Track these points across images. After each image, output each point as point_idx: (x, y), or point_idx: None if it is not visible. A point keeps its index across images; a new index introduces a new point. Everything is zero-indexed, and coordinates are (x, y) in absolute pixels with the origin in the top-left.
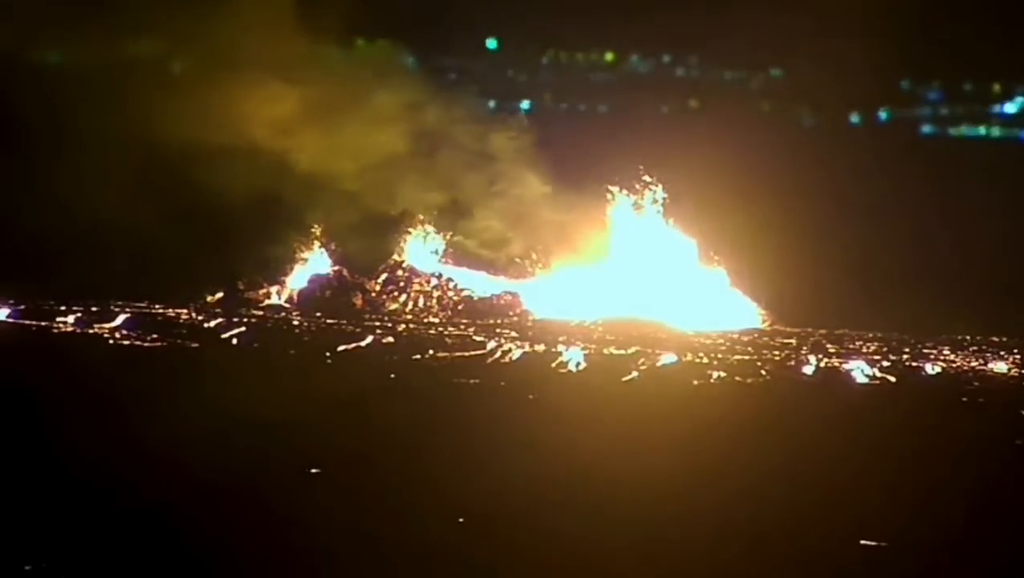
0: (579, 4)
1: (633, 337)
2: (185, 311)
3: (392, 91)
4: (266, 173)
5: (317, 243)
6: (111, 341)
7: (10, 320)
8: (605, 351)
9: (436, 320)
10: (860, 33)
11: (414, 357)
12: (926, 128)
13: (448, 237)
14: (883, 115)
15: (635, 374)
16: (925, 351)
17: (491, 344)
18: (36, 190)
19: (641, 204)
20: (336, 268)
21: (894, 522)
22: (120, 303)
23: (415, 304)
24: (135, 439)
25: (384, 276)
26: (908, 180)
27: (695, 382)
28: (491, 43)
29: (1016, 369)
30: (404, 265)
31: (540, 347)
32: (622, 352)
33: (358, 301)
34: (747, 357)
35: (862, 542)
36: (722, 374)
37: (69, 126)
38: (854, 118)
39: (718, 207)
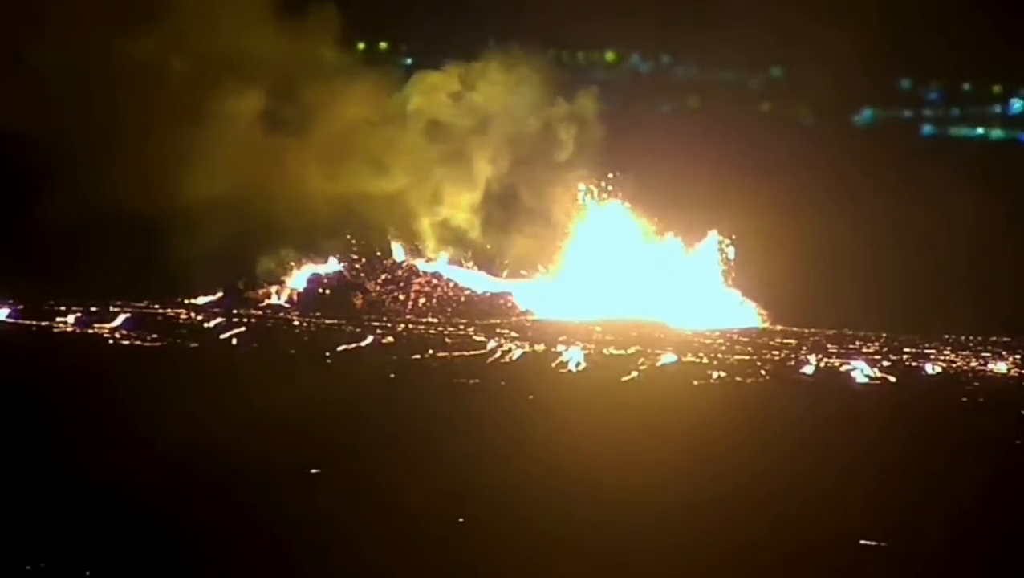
0: (579, 4)
1: (633, 337)
2: (185, 311)
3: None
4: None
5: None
6: (111, 341)
7: (10, 320)
8: (605, 351)
9: (436, 320)
10: (860, 33)
11: (414, 357)
12: (926, 128)
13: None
14: (882, 115)
15: (635, 374)
16: (925, 351)
17: (491, 344)
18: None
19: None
20: (336, 268)
21: (894, 522)
22: (120, 303)
23: (415, 304)
24: (135, 439)
25: (384, 276)
26: (908, 180)
27: (695, 382)
28: None
29: (1016, 369)
30: (404, 265)
31: (540, 347)
32: (622, 352)
33: (358, 301)
34: (747, 357)
35: (862, 542)
36: (722, 374)
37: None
38: (855, 118)
39: (718, 207)
